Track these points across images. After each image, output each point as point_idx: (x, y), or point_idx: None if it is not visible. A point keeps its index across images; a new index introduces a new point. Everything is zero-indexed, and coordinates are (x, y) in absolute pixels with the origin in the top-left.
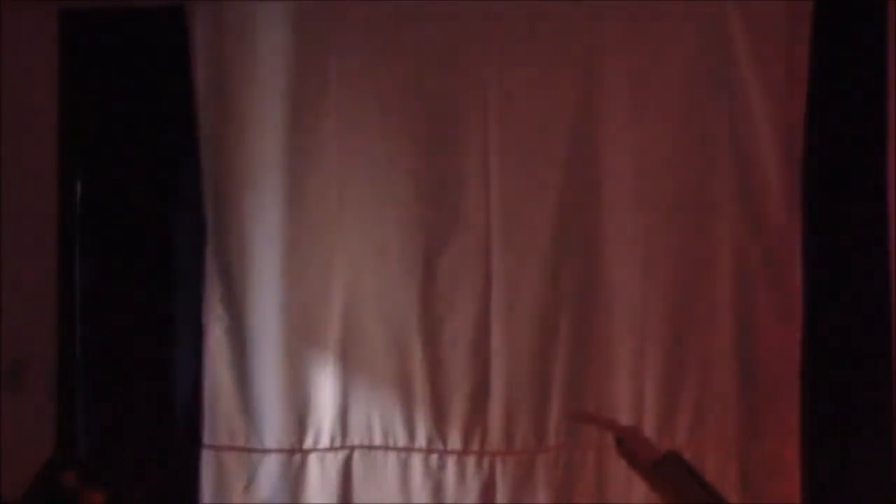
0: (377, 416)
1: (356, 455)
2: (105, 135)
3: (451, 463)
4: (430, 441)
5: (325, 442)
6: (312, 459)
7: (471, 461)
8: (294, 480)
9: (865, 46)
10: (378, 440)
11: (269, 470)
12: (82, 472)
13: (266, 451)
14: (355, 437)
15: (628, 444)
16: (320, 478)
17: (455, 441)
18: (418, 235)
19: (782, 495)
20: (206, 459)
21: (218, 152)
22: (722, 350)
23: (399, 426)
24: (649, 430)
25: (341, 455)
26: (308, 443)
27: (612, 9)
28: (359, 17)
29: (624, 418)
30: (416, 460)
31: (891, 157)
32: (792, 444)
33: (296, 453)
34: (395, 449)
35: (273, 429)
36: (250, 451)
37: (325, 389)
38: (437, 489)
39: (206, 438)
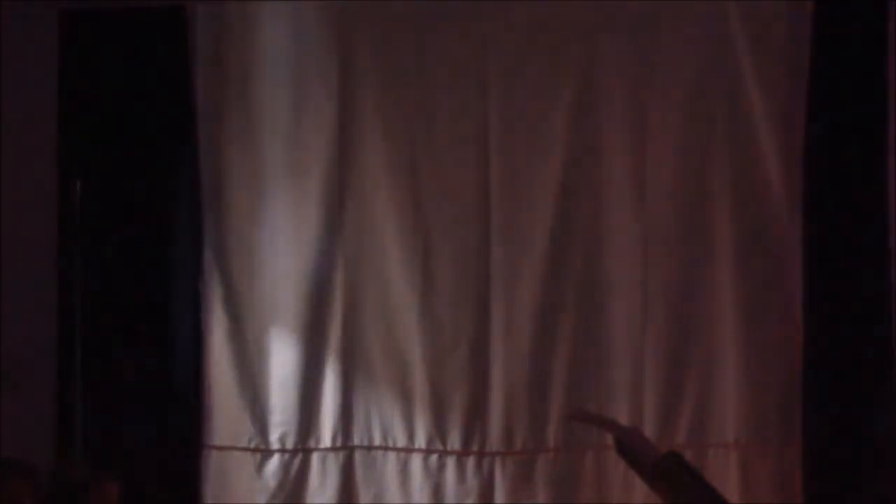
0: (377, 417)
1: (356, 455)
2: (104, 135)
3: (450, 463)
4: (429, 441)
5: (326, 442)
6: (313, 459)
7: (470, 462)
8: (296, 480)
9: (865, 46)
10: (378, 440)
11: (272, 470)
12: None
13: (269, 452)
14: (355, 438)
15: (628, 444)
16: (321, 478)
17: (455, 441)
18: (418, 236)
19: (783, 496)
20: (209, 460)
21: (217, 152)
22: (722, 350)
23: (399, 426)
24: (649, 430)
25: (342, 455)
26: (309, 443)
27: (613, 8)
28: (359, 17)
29: (624, 419)
30: (416, 461)
31: (891, 156)
32: (793, 444)
33: (298, 453)
34: (395, 449)
35: (275, 429)
36: (253, 451)
37: (326, 389)
38: (437, 490)
39: (209, 439)
